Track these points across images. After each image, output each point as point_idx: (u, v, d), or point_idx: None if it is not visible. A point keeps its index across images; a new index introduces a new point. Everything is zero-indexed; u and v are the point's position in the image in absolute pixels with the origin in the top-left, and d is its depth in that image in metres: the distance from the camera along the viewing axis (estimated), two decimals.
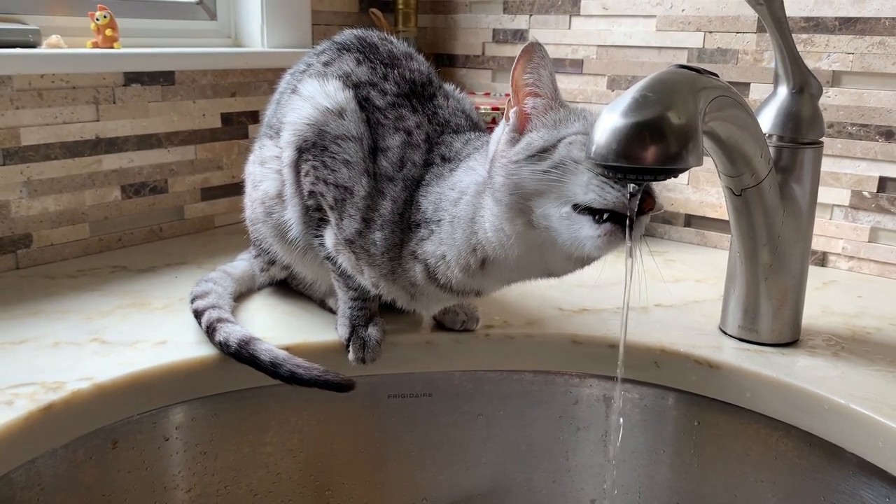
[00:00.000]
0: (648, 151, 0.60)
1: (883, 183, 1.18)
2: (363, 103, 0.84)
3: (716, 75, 0.70)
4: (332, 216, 0.84)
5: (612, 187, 0.66)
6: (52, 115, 1.13)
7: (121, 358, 0.85)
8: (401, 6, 1.53)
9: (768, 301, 0.92)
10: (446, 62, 1.60)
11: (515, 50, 1.49)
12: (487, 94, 1.51)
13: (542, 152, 0.71)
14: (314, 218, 0.88)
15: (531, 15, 1.47)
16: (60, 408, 0.76)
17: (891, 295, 1.13)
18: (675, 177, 0.63)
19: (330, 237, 0.87)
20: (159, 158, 1.27)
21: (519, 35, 1.49)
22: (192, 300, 0.94)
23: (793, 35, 0.88)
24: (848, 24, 1.16)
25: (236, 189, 1.37)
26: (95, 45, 1.20)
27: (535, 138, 0.72)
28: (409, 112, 0.84)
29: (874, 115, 1.16)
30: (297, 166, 0.86)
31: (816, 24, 1.18)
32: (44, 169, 1.13)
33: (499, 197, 0.72)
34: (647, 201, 0.66)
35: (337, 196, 0.82)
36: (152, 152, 1.26)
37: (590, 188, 0.67)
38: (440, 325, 0.96)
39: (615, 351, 0.94)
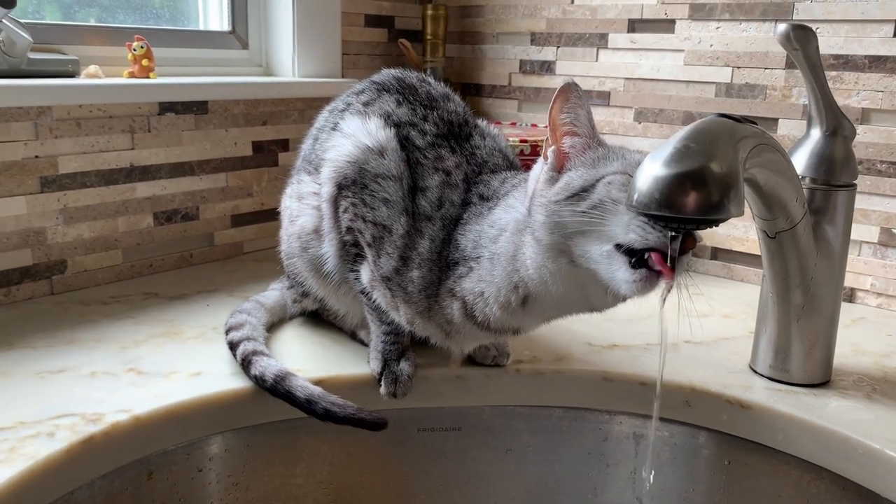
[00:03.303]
0: (690, 201, 0.61)
1: None
2: (403, 143, 0.85)
3: (755, 123, 0.70)
4: (369, 253, 0.85)
5: (653, 227, 0.66)
6: (90, 143, 1.15)
7: (157, 389, 0.86)
8: (429, 37, 1.55)
9: (800, 342, 0.92)
10: (473, 92, 1.61)
11: (542, 81, 1.51)
12: (514, 124, 1.52)
13: (581, 192, 0.71)
14: (351, 253, 0.89)
15: (559, 47, 1.48)
16: (101, 440, 0.77)
17: None
18: (716, 226, 0.64)
19: (366, 273, 0.88)
20: (191, 186, 1.29)
21: (546, 66, 1.51)
22: (227, 331, 0.95)
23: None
24: (878, 63, 1.16)
25: (266, 216, 1.40)
26: (132, 75, 1.22)
27: (573, 178, 0.73)
28: (447, 152, 0.85)
29: None
30: (335, 202, 0.87)
31: (846, 62, 1.19)
32: (80, 196, 1.15)
33: (539, 236, 0.73)
34: (689, 241, 0.67)
35: (375, 234, 0.83)
36: (185, 180, 1.28)
37: (630, 228, 0.67)
38: (470, 359, 0.96)
39: (646, 388, 0.94)
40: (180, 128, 1.25)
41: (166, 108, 1.23)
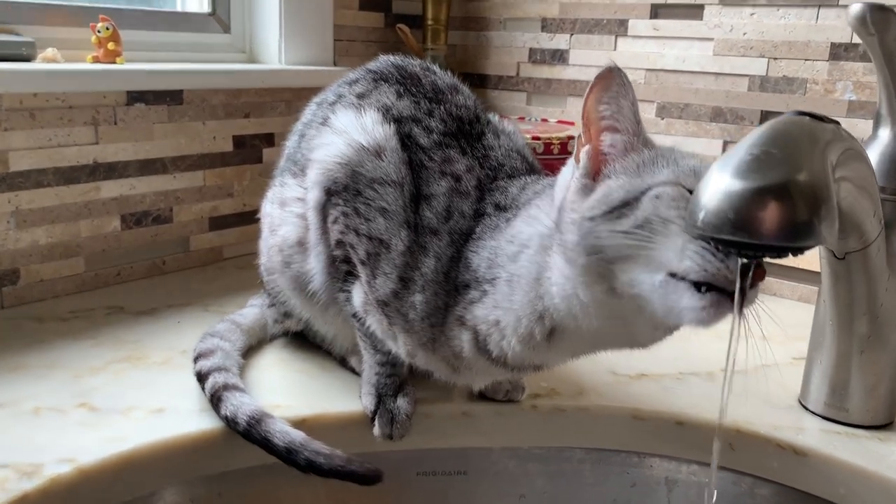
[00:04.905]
0: (774, 223, 0.48)
1: None
2: (405, 142, 0.71)
3: (837, 123, 0.57)
4: (362, 272, 0.72)
5: (714, 255, 0.53)
6: (46, 137, 1.01)
7: (110, 431, 0.73)
8: (430, 22, 1.41)
9: (862, 377, 0.80)
10: (477, 83, 1.48)
11: (554, 71, 1.38)
12: (522, 119, 1.39)
13: (623, 207, 0.58)
14: (341, 270, 0.76)
15: (572, 34, 1.35)
16: (36, 498, 0.64)
17: None
18: (801, 254, 0.51)
19: (358, 295, 0.74)
20: (164, 185, 1.15)
21: (558, 56, 1.37)
22: (196, 359, 0.82)
23: None
24: None
25: (247, 218, 1.27)
26: (96, 60, 1.08)
27: (613, 189, 0.59)
28: (456, 154, 0.71)
29: None
30: (324, 210, 0.74)
31: None
32: (35, 197, 1.01)
33: (571, 258, 0.60)
34: (758, 272, 0.54)
35: (370, 249, 0.70)
36: (156, 178, 1.14)
37: (686, 255, 0.54)
38: (480, 393, 0.83)
39: (682, 429, 0.82)
40: (151, 120, 1.11)
41: (135, 97, 1.09)
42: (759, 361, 0.96)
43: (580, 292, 0.60)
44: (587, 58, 1.34)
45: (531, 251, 0.64)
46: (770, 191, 0.48)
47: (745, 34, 1.18)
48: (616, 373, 0.90)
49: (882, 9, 0.69)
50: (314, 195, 0.75)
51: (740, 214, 0.48)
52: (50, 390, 0.80)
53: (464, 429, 0.82)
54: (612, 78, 0.60)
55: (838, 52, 1.11)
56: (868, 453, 0.76)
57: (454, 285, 0.68)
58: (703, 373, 0.92)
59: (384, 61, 0.80)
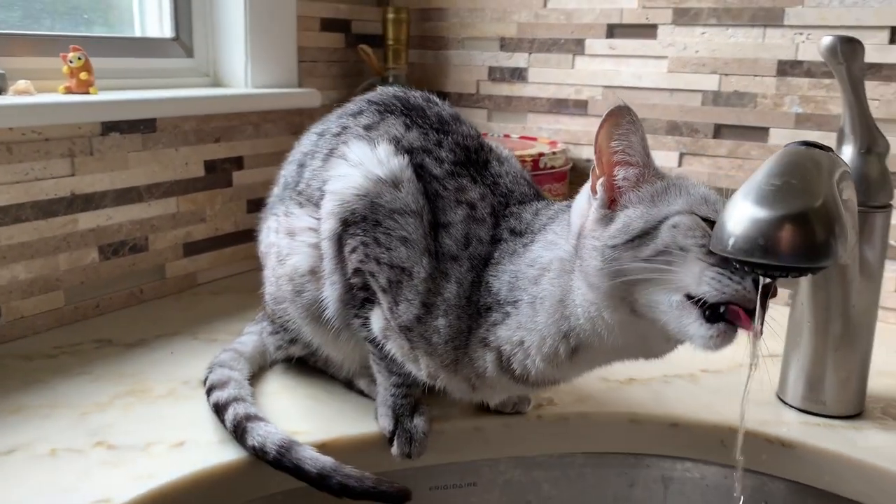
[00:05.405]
0: (799, 247, 0.53)
1: None
2: (418, 172, 0.74)
3: (830, 149, 0.63)
4: (383, 299, 0.74)
5: (730, 279, 0.59)
6: (23, 171, 0.99)
7: (136, 468, 0.73)
8: (391, 42, 1.44)
9: (835, 372, 0.87)
10: None
11: (513, 89, 1.43)
12: (485, 135, 1.43)
13: (643, 236, 0.63)
14: (358, 297, 0.78)
15: (531, 53, 1.40)
16: None
17: None
18: (817, 273, 0.56)
19: (378, 321, 0.77)
20: (139, 213, 1.14)
21: (517, 74, 1.42)
22: (209, 391, 0.82)
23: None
24: (873, 70, 1.13)
25: (220, 242, 1.27)
26: (69, 90, 1.07)
27: (632, 219, 0.64)
28: (469, 182, 0.75)
29: None
30: (340, 240, 0.76)
31: None
32: (13, 233, 0.99)
33: (595, 283, 0.64)
34: (772, 289, 0.60)
35: (392, 277, 0.73)
36: (132, 207, 1.13)
37: (703, 280, 0.60)
38: (486, 406, 0.87)
39: (677, 430, 0.87)
40: (126, 149, 1.11)
41: (109, 127, 1.08)
42: (735, 360, 1.03)
43: (605, 314, 0.65)
44: (546, 76, 1.39)
45: (552, 274, 0.68)
46: (794, 218, 0.53)
47: (697, 52, 1.25)
48: (606, 378, 0.95)
49: (850, 40, 0.77)
50: (329, 225, 0.77)
51: (769, 240, 0.53)
52: (61, 430, 0.79)
53: (475, 442, 0.86)
54: (621, 115, 0.65)
55: (785, 68, 1.19)
56: (846, 441, 0.83)
57: (476, 308, 0.72)
58: (685, 375, 0.98)
59: (385, 93, 0.83)
